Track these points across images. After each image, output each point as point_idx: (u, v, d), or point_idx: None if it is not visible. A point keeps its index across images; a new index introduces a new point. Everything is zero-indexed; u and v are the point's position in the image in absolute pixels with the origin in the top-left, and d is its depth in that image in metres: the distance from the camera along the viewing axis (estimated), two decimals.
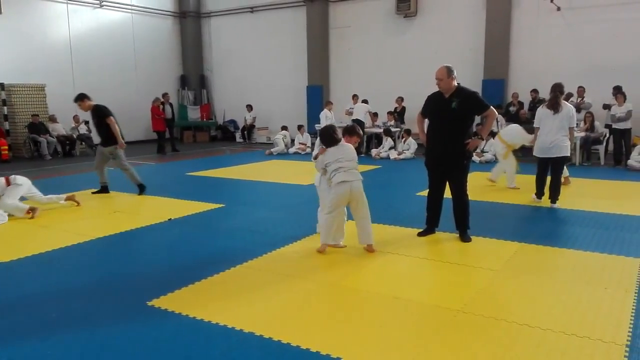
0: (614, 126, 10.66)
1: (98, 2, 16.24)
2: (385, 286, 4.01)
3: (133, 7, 17.24)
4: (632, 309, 3.52)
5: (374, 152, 12.85)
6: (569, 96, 10.86)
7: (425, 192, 5.56)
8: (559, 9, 12.77)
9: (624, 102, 10.49)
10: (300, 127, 14.41)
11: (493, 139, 9.38)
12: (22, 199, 6.72)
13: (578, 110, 9.61)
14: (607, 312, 3.49)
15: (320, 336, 3.18)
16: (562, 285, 3.99)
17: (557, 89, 6.57)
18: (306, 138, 14.16)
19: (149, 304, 3.72)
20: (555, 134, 6.51)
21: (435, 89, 5.20)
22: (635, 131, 11.03)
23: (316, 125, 14.26)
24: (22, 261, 4.82)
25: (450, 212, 5.33)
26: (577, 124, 8.12)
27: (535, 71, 13.05)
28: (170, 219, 6.34)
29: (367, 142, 13.71)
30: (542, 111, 6.70)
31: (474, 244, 5.13)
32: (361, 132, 5.24)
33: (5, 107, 13.48)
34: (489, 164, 10.17)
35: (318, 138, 5.09)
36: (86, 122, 13.79)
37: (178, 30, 19.11)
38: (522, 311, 3.51)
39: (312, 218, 5.47)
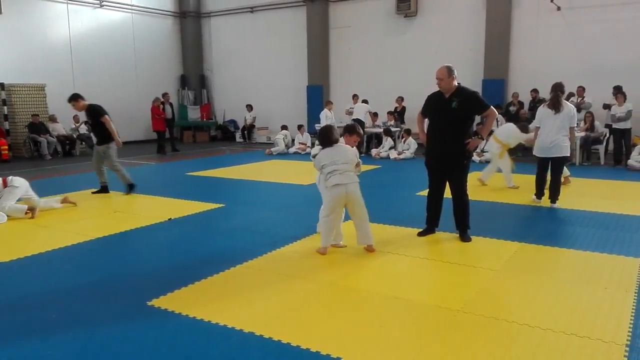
0: (614, 126, 10.66)
1: (98, 2, 16.25)
2: (385, 286, 4.01)
3: (133, 7, 17.24)
4: (632, 308, 3.52)
5: (374, 151, 12.85)
6: (570, 96, 10.86)
7: (425, 192, 5.56)
8: (559, 8, 12.77)
9: (624, 102, 10.49)
10: (300, 127, 14.41)
11: None
12: (18, 200, 6.69)
13: (578, 110, 9.59)
14: (607, 312, 3.49)
15: (320, 336, 3.18)
16: (562, 285, 3.99)
17: (557, 89, 6.56)
18: (306, 138, 14.17)
19: (149, 303, 3.72)
20: (555, 134, 6.50)
21: (436, 88, 5.20)
22: (635, 131, 11.03)
23: (316, 125, 14.26)
24: (22, 261, 4.82)
25: (450, 212, 5.33)
26: (577, 123, 8.11)
27: (535, 71, 13.05)
28: (170, 219, 6.34)
29: (367, 142, 13.71)
30: (542, 110, 6.69)
31: (474, 243, 5.13)
32: (361, 131, 5.21)
33: (5, 107, 13.48)
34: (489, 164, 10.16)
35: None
36: (86, 122, 13.78)
37: (178, 30, 19.11)
38: (522, 311, 3.51)
39: (312, 218, 5.46)
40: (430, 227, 5.45)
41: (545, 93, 9.99)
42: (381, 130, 13.38)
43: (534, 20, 13.21)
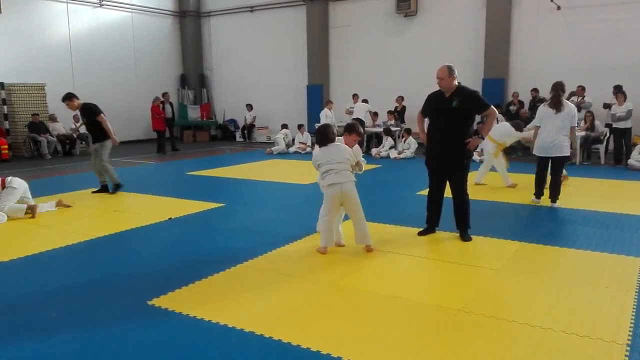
0: (614, 125, 10.66)
1: (98, 1, 16.24)
2: (385, 286, 4.01)
3: (133, 7, 17.23)
4: (633, 308, 3.52)
5: (374, 151, 12.85)
6: (570, 95, 10.87)
7: (425, 192, 5.56)
8: (559, 8, 12.77)
9: (624, 101, 10.49)
10: (300, 127, 14.41)
11: None
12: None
13: (578, 109, 9.58)
14: (607, 312, 3.49)
15: (321, 336, 3.17)
16: (562, 285, 3.99)
17: (558, 88, 6.55)
18: (306, 137, 14.16)
19: (149, 303, 3.72)
20: (556, 134, 6.49)
21: (436, 88, 5.20)
22: (636, 130, 11.03)
23: (316, 124, 14.15)
24: (22, 261, 4.81)
25: (451, 212, 5.33)
26: (577, 123, 8.10)
27: (535, 70, 13.04)
28: (170, 219, 6.33)
29: (367, 142, 13.71)
30: (543, 110, 6.68)
31: (474, 243, 5.13)
32: (361, 130, 5.19)
33: (5, 107, 13.47)
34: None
35: None
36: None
37: (178, 30, 19.10)
38: (522, 311, 3.50)
39: (312, 217, 5.45)
40: (431, 226, 5.45)
41: (545, 92, 9.98)
42: (381, 129, 13.37)
43: (534, 19, 13.20)
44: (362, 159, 5.02)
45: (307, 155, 11.89)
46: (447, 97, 5.07)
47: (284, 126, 14.60)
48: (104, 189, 8.11)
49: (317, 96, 16.35)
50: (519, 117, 11.68)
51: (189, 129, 18.63)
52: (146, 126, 16.09)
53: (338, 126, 12.02)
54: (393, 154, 12.40)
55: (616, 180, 8.89)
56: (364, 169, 5.00)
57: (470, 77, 12.52)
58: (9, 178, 6.65)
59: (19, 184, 6.63)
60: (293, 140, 14.44)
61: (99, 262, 4.85)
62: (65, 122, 14.30)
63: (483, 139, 5.38)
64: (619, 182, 8.73)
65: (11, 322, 3.49)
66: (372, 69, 15.72)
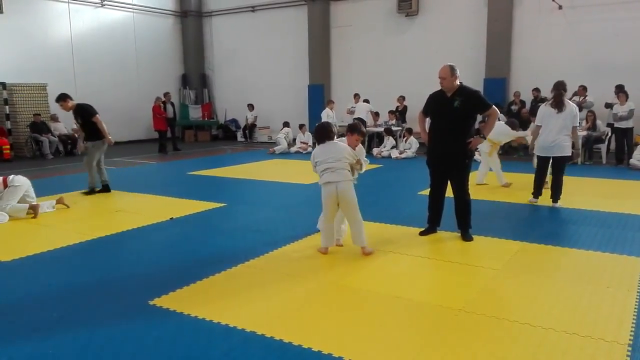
0: (616, 125, 10.64)
1: (99, 1, 16.26)
2: (386, 285, 4.01)
3: (134, 7, 17.25)
4: (635, 308, 3.52)
5: (375, 151, 12.85)
6: (574, 95, 10.86)
7: (426, 191, 5.55)
8: (560, 7, 12.75)
9: (626, 101, 10.47)
10: (301, 127, 14.40)
11: None
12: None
13: (580, 109, 9.56)
14: (609, 312, 3.48)
15: (322, 336, 3.17)
16: (564, 285, 3.98)
17: (560, 87, 6.52)
18: (308, 137, 14.15)
19: (151, 303, 3.72)
20: (557, 133, 6.47)
21: (437, 87, 5.19)
22: (637, 130, 11.02)
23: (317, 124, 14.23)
24: (24, 260, 4.82)
25: (452, 211, 5.32)
26: (579, 123, 8.08)
27: (536, 70, 13.03)
28: (171, 218, 6.34)
29: (368, 142, 13.70)
30: (544, 110, 6.66)
31: (475, 243, 5.13)
32: (364, 129, 5.17)
33: (7, 107, 13.50)
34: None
35: None
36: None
37: (179, 30, 19.11)
38: (523, 310, 3.50)
39: (313, 217, 5.46)
40: (432, 226, 5.44)
41: (546, 92, 9.97)
42: (382, 129, 13.37)
43: (535, 19, 13.19)
44: (365, 158, 5.00)
45: (309, 155, 11.87)
46: (448, 97, 5.06)
47: (286, 124, 14.59)
48: (105, 188, 8.12)
49: (319, 96, 16.35)
50: (520, 117, 11.67)
51: (191, 128, 18.65)
52: (147, 126, 16.10)
53: (339, 126, 12.00)
54: (394, 153, 12.39)
55: (618, 180, 8.87)
56: (365, 169, 4.98)
57: (471, 76, 12.50)
58: (11, 177, 6.63)
59: (21, 182, 6.61)
60: (294, 140, 14.44)
61: (100, 262, 4.85)
62: (67, 122, 14.27)
63: (485, 138, 5.37)
64: (621, 181, 8.71)
65: (12, 322, 3.49)
66: (374, 68, 15.71)
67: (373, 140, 13.93)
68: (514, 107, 12.75)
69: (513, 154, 11.91)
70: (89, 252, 5.13)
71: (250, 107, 17.21)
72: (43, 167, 11.53)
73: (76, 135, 14.20)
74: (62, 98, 7.99)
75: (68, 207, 6.93)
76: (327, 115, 13.98)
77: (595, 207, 6.58)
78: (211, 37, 19.21)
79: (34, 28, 14.60)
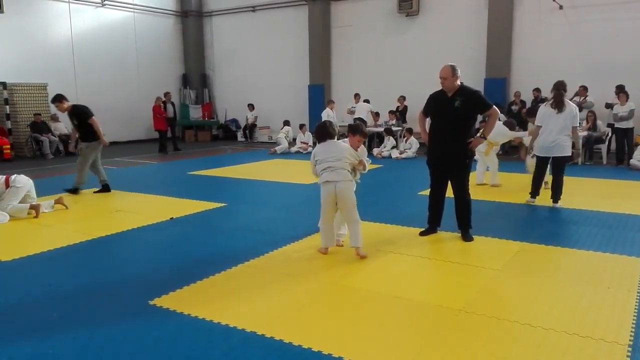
0: (616, 125, 10.64)
1: (100, 1, 16.26)
2: (386, 286, 4.01)
3: (135, 6, 17.25)
4: (635, 308, 3.51)
5: (375, 151, 12.85)
6: (575, 96, 10.86)
7: (427, 192, 5.55)
8: (561, 7, 12.75)
9: (627, 101, 10.47)
10: (302, 127, 14.40)
11: None
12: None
13: (580, 109, 9.55)
14: (609, 312, 3.48)
15: (322, 336, 3.17)
16: (564, 285, 3.98)
17: (560, 87, 6.52)
18: (308, 137, 14.15)
19: (151, 303, 3.72)
20: (557, 134, 6.47)
21: (437, 87, 5.19)
22: (638, 130, 11.01)
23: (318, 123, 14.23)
24: (24, 260, 4.82)
25: (452, 212, 5.32)
26: (579, 123, 8.08)
27: (537, 70, 13.02)
28: (172, 218, 6.34)
29: (368, 142, 13.70)
30: (545, 110, 6.65)
31: (475, 243, 5.13)
32: (366, 130, 5.16)
33: (7, 106, 13.49)
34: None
35: None
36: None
37: (180, 30, 19.11)
38: (524, 311, 3.50)
39: (313, 217, 5.45)
40: (432, 226, 5.44)
41: (547, 92, 9.96)
42: (382, 129, 13.37)
43: (535, 19, 13.19)
44: (367, 158, 4.99)
45: (309, 155, 11.87)
46: (449, 97, 5.06)
47: (286, 123, 14.58)
48: (105, 188, 8.12)
49: (319, 96, 16.35)
50: (520, 117, 11.66)
51: (191, 128, 18.66)
52: (148, 126, 16.10)
53: (340, 126, 12.01)
54: (394, 153, 12.39)
55: (618, 180, 8.87)
56: (367, 169, 4.97)
57: (472, 76, 12.49)
58: (13, 177, 6.61)
59: (23, 183, 6.59)
60: (294, 139, 14.44)
61: (100, 261, 4.85)
62: (67, 121, 14.16)
63: (485, 139, 5.37)
64: (621, 182, 8.71)
65: (12, 322, 3.49)
66: (374, 68, 15.71)
67: (373, 141, 13.93)
68: (514, 107, 12.74)
69: (513, 154, 11.90)
70: (89, 252, 5.13)
71: (251, 107, 17.20)
72: (43, 167, 11.53)
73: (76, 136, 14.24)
74: (58, 99, 7.96)
75: (67, 207, 6.89)
76: (327, 115, 13.98)
77: (596, 208, 6.57)
78: (211, 37, 19.21)
79: (34, 28, 14.61)
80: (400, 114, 14.18)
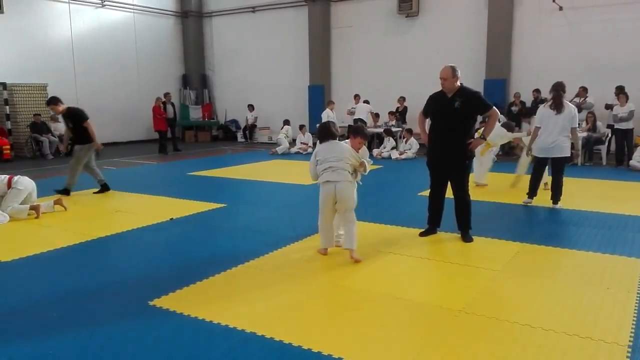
0: (616, 126, 10.64)
1: (100, 1, 16.26)
2: (386, 286, 4.01)
3: (135, 7, 17.25)
4: (635, 309, 3.52)
5: (375, 152, 12.84)
6: (575, 95, 10.86)
7: (426, 192, 5.55)
8: (561, 8, 12.76)
9: (627, 102, 10.47)
10: (302, 127, 14.40)
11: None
12: None
13: (579, 110, 9.56)
14: (609, 313, 3.48)
15: (322, 336, 3.17)
16: (564, 286, 3.98)
17: (559, 88, 6.51)
18: (308, 138, 14.15)
19: (151, 303, 3.72)
20: (557, 135, 6.47)
21: (437, 88, 5.19)
22: (638, 131, 11.01)
23: (318, 125, 14.22)
24: (24, 261, 4.82)
25: (452, 212, 5.32)
26: (579, 124, 8.08)
27: (537, 71, 13.03)
28: (171, 219, 6.34)
29: (368, 142, 13.68)
30: (543, 111, 6.65)
31: (475, 244, 5.13)
32: (367, 132, 5.15)
33: (7, 107, 13.49)
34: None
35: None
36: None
37: (180, 30, 19.12)
38: (524, 311, 3.50)
39: (313, 218, 5.44)
40: (432, 227, 5.44)
41: (547, 93, 9.94)
42: (382, 130, 13.37)
43: (535, 19, 13.20)
44: (369, 159, 4.99)
45: (309, 156, 11.88)
46: (449, 98, 5.06)
47: (286, 122, 14.58)
48: (104, 187, 8.11)
49: (319, 96, 16.36)
50: (519, 118, 11.67)
51: (191, 129, 18.66)
52: (148, 126, 16.10)
53: (340, 127, 12.02)
54: (394, 154, 12.39)
55: (618, 181, 8.87)
56: (369, 170, 4.96)
57: (471, 77, 12.50)
58: (16, 178, 6.58)
59: (24, 185, 6.56)
60: (294, 140, 14.43)
61: (100, 262, 4.86)
62: None
63: (485, 139, 5.37)
64: (621, 183, 8.71)
65: (12, 322, 3.49)
66: (374, 69, 15.72)
67: (373, 141, 13.93)
68: (514, 108, 12.75)
69: (513, 155, 11.90)
70: (89, 253, 5.13)
71: (251, 107, 17.21)
72: (43, 167, 11.53)
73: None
74: (53, 102, 7.93)
75: (66, 209, 6.83)
76: (327, 116, 13.97)
77: (596, 208, 6.58)
78: (211, 37, 19.22)
79: (34, 28, 14.61)
80: (400, 114, 14.18)
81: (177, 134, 15.97)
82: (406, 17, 14.92)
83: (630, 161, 10.20)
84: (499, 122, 7.70)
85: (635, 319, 3.37)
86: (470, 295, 3.81)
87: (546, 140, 6.55)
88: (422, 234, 5.41)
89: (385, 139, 13.00)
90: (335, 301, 3.81)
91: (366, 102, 14.33)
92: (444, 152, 5.14)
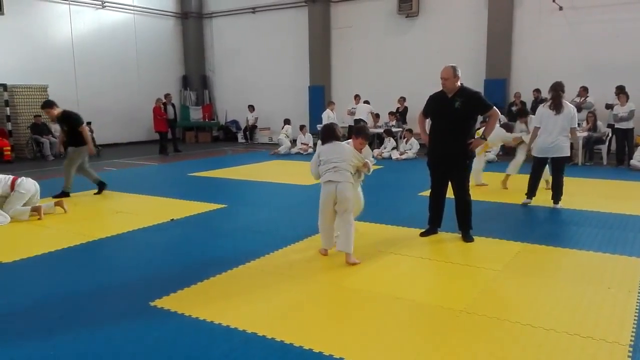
0: (616, 126, 10.64)
1: (100, 2, 16.27)
2: (387, 286, 4.01)
3: (135, 8, 17.27)
4: (636, 309, 3.51)
5: (375, 152, 12.83)
6: (577, 95, 10.85)
7: (427, 192, 5.56)
8: (561, 8, 12.76)
9: (627, 101, 10.48)
10: (302, 128, 14.40)
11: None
12: None
13: (579, 109, 9.57)
14: (610, 312, 3.48)
15: (323, 336, 3.17)
16: (565, 286, 3.98)
17: (558, 88, 6.51)
18: (308, 138, 14.16)
19: (152, 304, 3.72)
20: (556, 135, 6.47)
21: (438, 88, 5.19)
22: (638, 131, 11.01)
23: (318, 125, 14.22)
24: (25, 262, 4.82)
25: (453, 212, 5.32)
26: (579, 123, 8.08)
27: (537, 71, 13.03)
28: (172, 220, 6.34)
29: (369, 143, 13.68)
30: (543, 111, 6.65)
31: (476, 244, 5.12)
32: (369, 132, 5.14)
33: (7, 108, 13.50)
34: (491, 164, 10.17)
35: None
36: (88, 123, 13.80)
37: (180, 31, 19.14)
38: (525, 311, 3.50)
39: (313, 218, 5.44)
40: (433, 227, 5.44)
41: (547, 93, 9.96)
42: (382, 130, 13.37)
43: (536, 19, 13.20)
44: (372, 159, 4.98)
45: (309, 157, 11.88)
46: (449, 98, 5.06)
47: (286, 121, 14.57)
48: (100, 185, 8.08)
49: (319, 97, 16.37)
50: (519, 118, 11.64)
51: (191, 130, 18.67)
52: (148, 127, 16.11)
53: (340, 127, 12.04)
54: (395, 154, 12.39)
55: (618, 180, 8.87)
56: (372, 170, 4.95)
57: (471, 77, 12.50)
58: (19, 180, 6.56)
59: (27, 189, 6.54)
60: (294, 140, 14.44)
61: (100, 263, 4.86)
62: None
63: (485, 139, 5.37)
64: (621, 182, 8.71)
65: (12, 323, 3.49)
66: (374, 69, 15.73)
67: (374, 142, 13.92)
68: (514, 108, 12.71)
69: (514, 155, 11.88)
70: (90, 253, 5.13)
71: (251, 108, 17.22)
72: (44, 169, 11.53)
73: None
74: (49, 105, 7.91)
75: (66, 211, 6.78)
76: (327, 116, 13.99)
77: (596, 208, 6.57)
78: (212, 38, 19.23)
79: (34, 29, 14.62)
80: (400, 114, 14.18)
81: (177, 135, 15.98)
82: (406, 17, 14.92)
83: (631, 161, 10.20)
84: (499, 122, 7.70)
85: (636, 318, 3.36)
86: (471, 295, 3.81)
87: (546, 141, 6.56)
88: (422, 234, 5.41)
89: (386, 139, 13.01)
90: (336, 301, 3.81)
91: (366, 102, 14.33)
92: (444, 152, 5.14)
